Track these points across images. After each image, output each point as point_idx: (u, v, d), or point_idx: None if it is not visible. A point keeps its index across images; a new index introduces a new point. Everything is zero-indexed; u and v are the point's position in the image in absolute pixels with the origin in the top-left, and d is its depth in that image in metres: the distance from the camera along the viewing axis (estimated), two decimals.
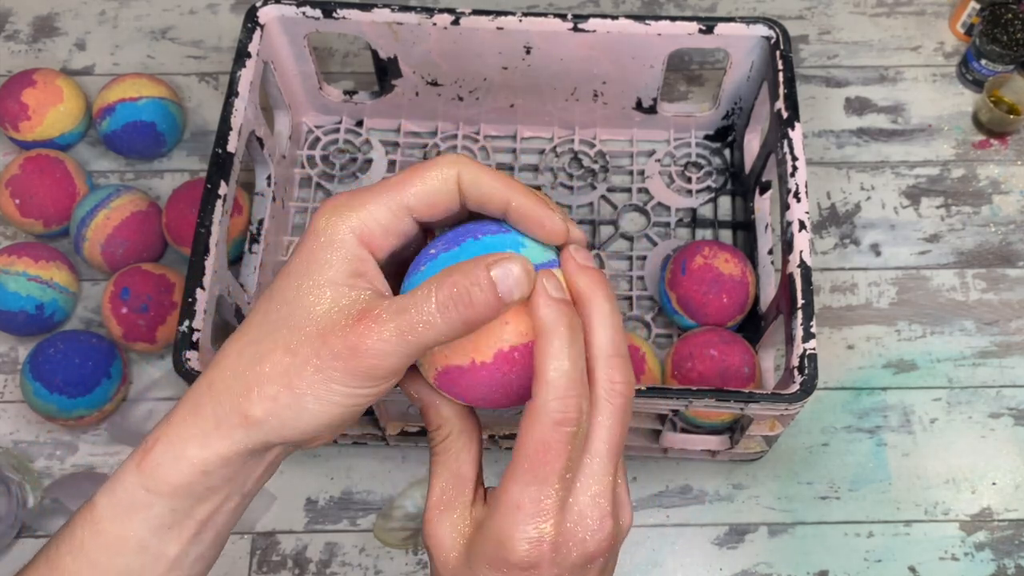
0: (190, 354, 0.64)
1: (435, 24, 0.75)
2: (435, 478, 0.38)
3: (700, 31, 0.75)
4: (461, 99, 0.85)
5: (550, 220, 0.36)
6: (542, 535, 0.33)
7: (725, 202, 0.86)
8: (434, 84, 0.83)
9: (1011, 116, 0.88)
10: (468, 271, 0.33)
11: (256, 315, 0.36)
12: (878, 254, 0.85)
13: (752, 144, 0.84)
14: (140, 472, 0.36)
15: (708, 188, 0.86)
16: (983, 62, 0.89)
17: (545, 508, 0.33)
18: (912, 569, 0.74)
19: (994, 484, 0.76)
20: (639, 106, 0.84)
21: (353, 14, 0.76)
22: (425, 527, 0.37)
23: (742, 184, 0.85)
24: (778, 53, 0.73)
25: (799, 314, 0.64)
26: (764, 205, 0.80)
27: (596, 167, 0.87)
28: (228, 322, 0.75)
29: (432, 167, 0.36)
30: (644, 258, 0.83)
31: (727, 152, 0.88)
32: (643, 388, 0.63)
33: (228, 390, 0.35)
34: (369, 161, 0.87)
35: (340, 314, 0.34)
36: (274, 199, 0.80)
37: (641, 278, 0.83)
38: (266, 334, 0.35)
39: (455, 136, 0.88)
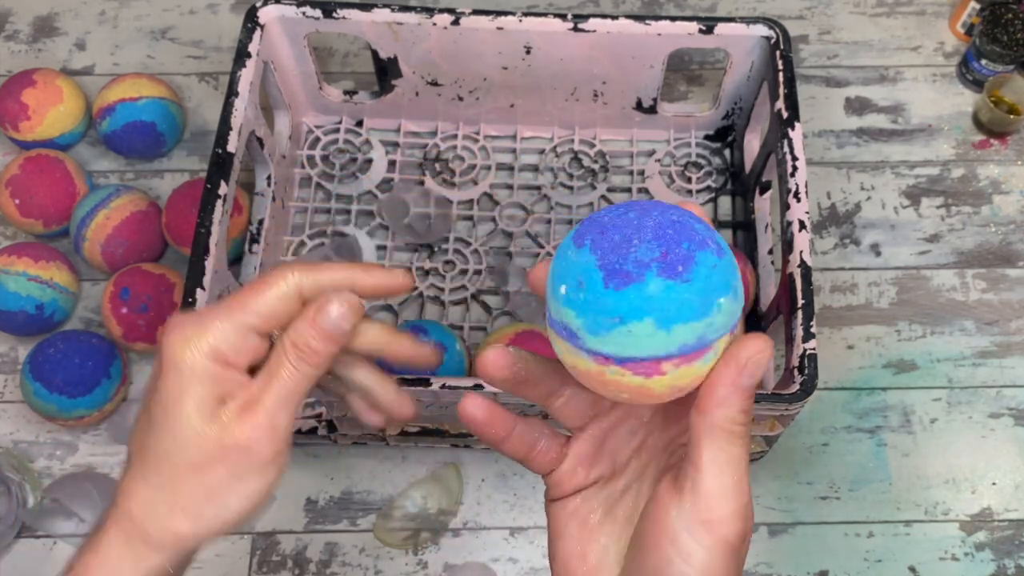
0: None
1: (435, 24, 0.75)
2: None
3: (700, 31, 0.75)
4: (461, 99, 0.85)
5: (392, 279, 0.40)
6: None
7: (725, 202, 0.86)
8: (434, 84, 0.83)
9: (1011, 116, 0.88)
10: (301, 329, 0.38)
11: (146, 450, 0.38)
12: (878, 254, 0.85)
13: (752, 144, 0.84)
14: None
15: (708, 188, 0.86)
16: (983, 62, 0.89)
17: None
18: (912, 569, 0.74)
19: (994, 484, 0.76)
20: (639, 106, 0.84)
21: (353, 14, 0.76)
22: None
23: (742, 184, 0.85)
24: (778, 53, 0.73)
25: (799, 314, 0.64)
26: (764, 205, 0.80)
27: (596, 167, 0.87)
28: None
29: (270, 285, 0.38)
30: None
31: (727, 152, 0.87)
32: None
33: (151, 517, 0.38)
34: (369, 161, 0.87)
35: (224, 421, 0.37)
36: (274, 199, 0.80)
37: None
38: (165, 463, 0.38)
39: (455, 136, 0.88)
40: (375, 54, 0.80)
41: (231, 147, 0.70)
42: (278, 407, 0.38)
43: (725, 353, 0.32)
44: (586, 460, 0.37)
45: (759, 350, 0.32)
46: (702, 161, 0.87)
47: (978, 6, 0.91)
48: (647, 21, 0.75)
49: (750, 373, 0.32)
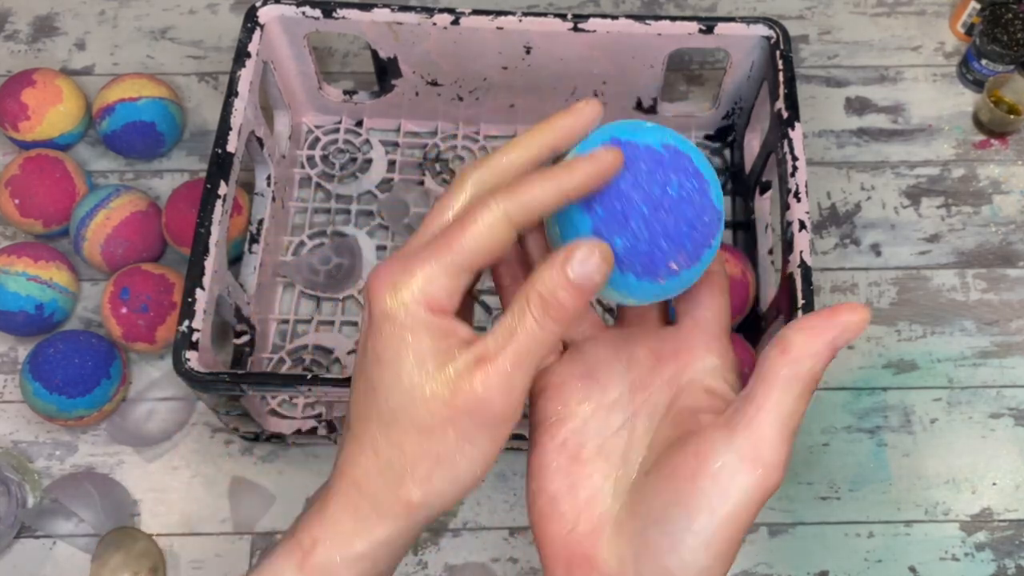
0: (190, 354, 0.64)
1: (435, 24, 0.75)
2: None
3: (700, 31, 0.75)
4: (461, 99, 0.85)
5: (598, 164, 0.34)
6: None
7: (725, 202, 0.86)
8: (434, 84, 0.83)
9: (1011, 116, 0.88)
10: (547, 279, 0.33)
11: (368, 411, 0.35)
12: (878, 254, 0.85)
13: (752, 144, 0.84)
14: (304, 573, 0.36)
15: None
16: (983, 62, 0.89)
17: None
18: (912, 569, 0.74)
19: (994, 484, 0.76)
20: (639, 106, 0.84)
21: (353, 14, 0.76)
22: None
23: (742, 184, 0.85)
24: (778, 53, 0.73)
25: (799, 315, 0.64)
26: (764, 205, 0.80)
27: None
28: (227, 322, 0.75)
29: (475, 217, 0.33)
30: None
31: (727, 152, 0.87)
32: None
33: (380, 485, 0.35)
34: (369, 161, 0.87)
35: (452, 378, 0.33)
36: (274, 199, 0.80)
37: None
38: (390, 426, 0.34)
39: (455, 136, 0.88)
40: (375, 54, 0.80)
41: (231, 147, 0.70)
42: (516, 365, 0.33)
43: (829, 310, 0.32)
44: (576, 377, 0.37)
45: (862, 319, 0.32)
46: None
47: (978, 6, 0.91)
48: (647, 21, 0.75)
49: (847, 337, 0.32)
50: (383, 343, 0.34)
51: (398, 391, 0.34)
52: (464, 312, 0.36)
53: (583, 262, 0.32)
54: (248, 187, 0.81)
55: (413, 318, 0.33)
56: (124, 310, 0.76)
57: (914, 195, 0.88)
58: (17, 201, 0.81)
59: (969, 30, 0.94)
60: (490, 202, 0.33)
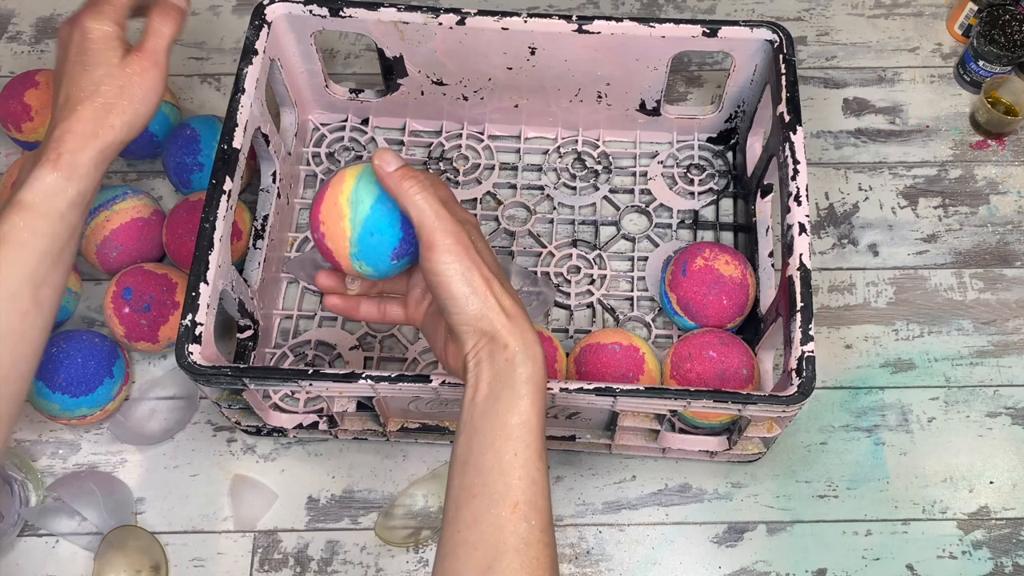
0: (193, 348, 0.64)
1: (441, 24, 0.76)
2: None
3: (704, 34, 0.76)
4: (466, 99, 0.85)
5: None
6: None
7: (727, 204, 0.87)
8: (439, 83, 0.83)
9: (1008, 117, 0.89)
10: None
11: (81, 78, 0.60)
12: (876, 254, 0.86)
13: (754, 147, 0.84)
14: (56, 169, 0.57)
15: (710, 190, 0.86)
16: (981, 63, 0.90)
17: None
18: (910, 567, 0.74)
19: (991, 483, 0.77)
20: (642, 108, 0.85)
21: (360, 13, 0.76)
22: None
23: (744, 187, 0.85)
24: (781, 57, 0.74)
25: (798, 316, 0.65)
26: (765, 208, 0.81)
27: (599, 168, 0.87)
28: (231, 317, 0.76)
29: None
30: (645, 259, 0.84)
31: (729, 155, 0.88)
32: (642, 388, 0.64)
33: (96, 117, 0.59)
34: None
35: (130, 62, 0.62)
36: (279, 195, 0.80)
37: (642, 279, 0.83)
38: (100, 88, 0.60)
39: (459, 135, 0.89)
40: (381, 53, 0.80)
41: (236, 143, 0.70)
42: (164, 51, 0.64)
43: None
44: (418, 299, 0.61)
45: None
46: (704, 163, 0.88)
47: (975, 7, 0.91)
48: (651, 24, 0.75)
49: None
50: (92, 42, 0.60)
51: (102, 63, 0.60)
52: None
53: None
54: (251, 205, 0.81)
55: (109, 29, 0.61)
56: (127, 310, 0.76)
57: (912, 195, 0.88)
58: None
59: (966, 31, 0.94)
60: None
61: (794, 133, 0.70)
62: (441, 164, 0.88)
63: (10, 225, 0.56)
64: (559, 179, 0.87)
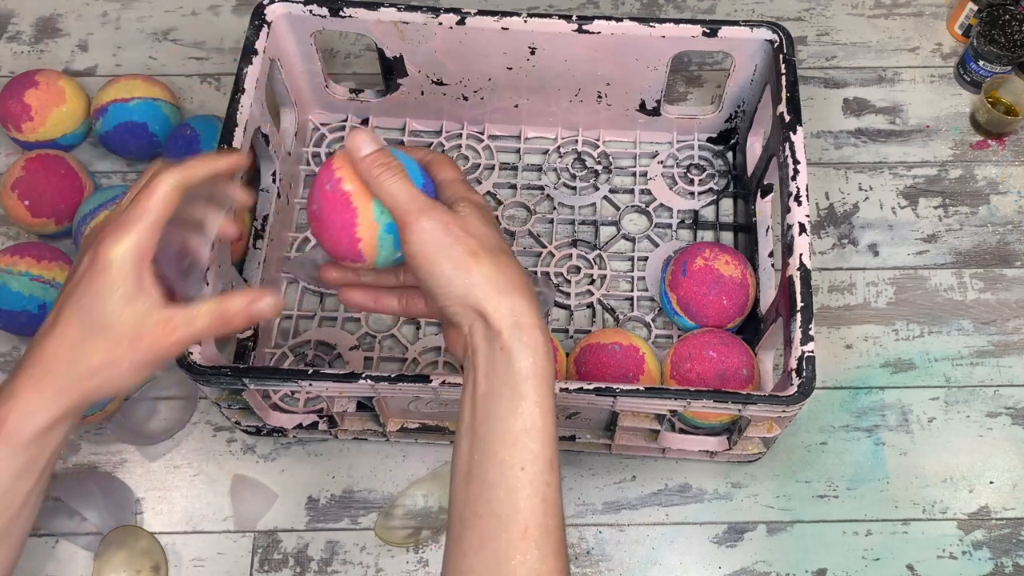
0: (193, 347, 0.64)
1: (441, 24, 0.76)
2: None
3: (704, 34, 0.76)
4: (466, 99, 0.85)
5: (235, 157, 0.56)
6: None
7: (727, 204, 0.87)
8: (439, 83, 0.83)
9: (1008, 117, 0.89)
10: (232, 303, 0.52)
11: (72, 319, 0.50)
12: (876, 254, 0.86)
13: (754, 147, 0.84)
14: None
15: (710, 190, 0.86)
16: (981, 63, 0.90)
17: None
18: (910, 567, 0.74)
19: (992, 483, 0.77)
20: (643, 108, 0.85)
21: (360, 13, 0.76)
22: None
23: (744, 187, 0.85)
24: (781, 57, 0.74)
25: (798, 316, 0.65)
26: (765, 208, 0.81)
27: (599, 168, 0.87)
28: None
29: (151, 194, 0.50)
30: (645, 259, 0.84)
31: (729, 155, 0.88)
32: (642, 388, 0.64)
33: (67, 373, 0.49)
34: None
35: (140, 322, 0.49)
36: (279, 195, 0.80)
37: (642, 279, 0.83)
38: (88, 336, 0.49)
39: (460, 135, 0.89)
40: (381, 53, 0.80)
41: (236, 143, 0.70)
42: (182, 344, 0.51)
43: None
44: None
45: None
46: (704, 163, 0.88)
47: (976, 7, 0.91)
48: (651, 24, 0.75)
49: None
50: (101, 277, 0.49)
51: (97, 314, 0.49)
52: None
53: (261, 305, 0.52)
54: (251, 205, 0.81)
55: (123, 266, 0.49)
56: None
57: (912, 195, 0.88)
58: (27, 203, 0.81)
59: (966, 31, 0.94)
60: (163, 174, 0.50)
61: (794, 133, 0.71)
62: None
63: None
64: (559, 179, 0.87)
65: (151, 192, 0.50)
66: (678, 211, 0.86)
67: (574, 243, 0.85)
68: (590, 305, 0.82)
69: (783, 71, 0.73)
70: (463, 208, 0.51)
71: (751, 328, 0.79)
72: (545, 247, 0.84)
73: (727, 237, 0.85)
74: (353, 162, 0.51)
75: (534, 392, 0.47)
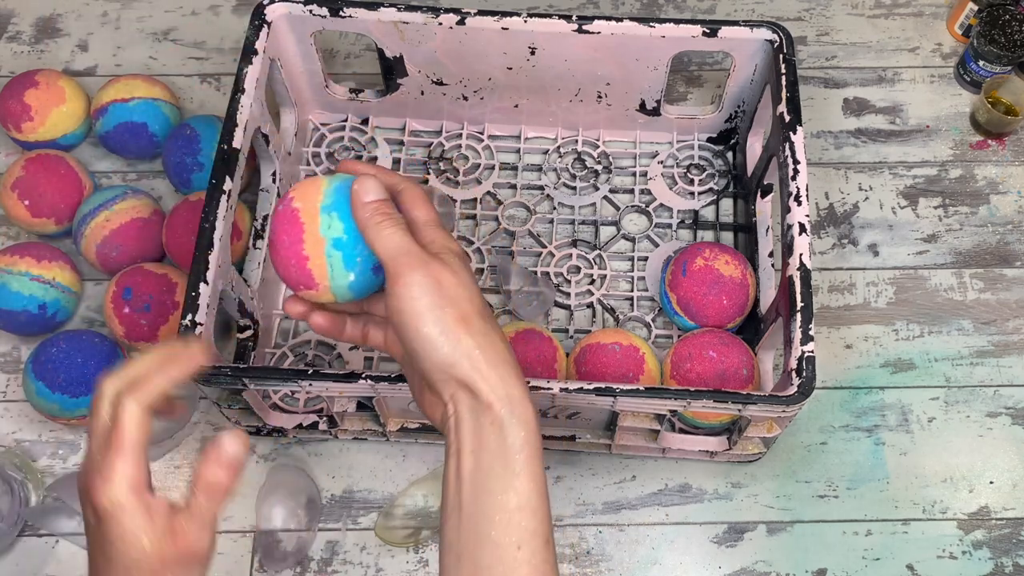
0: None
1: (441, 24, 0.76)
2: None
3: (704, 34, 0.76)
4: (466, 99, 0.85)
5: (191, 359, 0.49)
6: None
7: (727, 204, 0.87)
8: (439, 83, 0.83)
9: (1008, 117, 0.89)
10: (208, 472, 0.47)
11: (109, 570, 0.45)
12: (876, 254, 0.86)
13: (754, 147, 0.84)
14: None
15: (710, 190, 0.86)
16: (981, 63, 0.90)
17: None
18: (910, 567, 0.74)
19: (992, 483, 0.77)
20: (643, 108, 0.85)
21: (360, 13, 0.76)
22: None
23: (744, 187, 0.85)
24: (781, 57, 0.74)
25: (798, 316, 0.65)
26: (765, 208, 0.81)
27: (599, 168, 0.87)
28: (231, 317, 0.76)
29: (121, 428, 0.45)
30: (645, 259, 0.84)
31: (729, 155, 0.88)
32: (642, 388, 0.64)
33: None
34: (374, 159, 0.87)
35: (159, 540, 0.45)
36: (279, 195, 0.80)
37: (642, 279, 0.83)
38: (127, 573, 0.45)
39: (460, 135, 0.89)
40: (381, 53, 0.80)
41: (236, 143, 0.70)
42: (201, 528, 0.46)
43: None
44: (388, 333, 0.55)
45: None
46: (704, 163, 0.88)
47: (976, 7, 0.91)
48: (651, 24, 0.75)
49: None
50: (109, 526, 0.44)
51: (127, 556, 0.45)
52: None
53: (225, 444, 0.47)
54: (251, 205, 0.81)
55: (124, 502, 0.44)
56: (127, 310, 0.76)
57: (912, 195, 0.88)
58: (27, 203, 0.81)
59: (966, 31, 0.94)
60: (125, 401, 0.45)
61: (794, 133, 0.71)
62: (441, 164, 0.88)
63: None
64: (559, 179, 0.87)
65: (120, 426, 0.45)
66: (678, 211, 0.86)
67: (574, 243, 0.85)
68: (590, 305, 0.82)
69: (783, 71, 0.73)
70: (451, 261, 0.49)
71: (751, 328, 0.79)
72: (545, 247, 0.84)
73: (727, 237, 0.85)
74: (355, 206, 0.50)
75: (527, 467, 0.45)
